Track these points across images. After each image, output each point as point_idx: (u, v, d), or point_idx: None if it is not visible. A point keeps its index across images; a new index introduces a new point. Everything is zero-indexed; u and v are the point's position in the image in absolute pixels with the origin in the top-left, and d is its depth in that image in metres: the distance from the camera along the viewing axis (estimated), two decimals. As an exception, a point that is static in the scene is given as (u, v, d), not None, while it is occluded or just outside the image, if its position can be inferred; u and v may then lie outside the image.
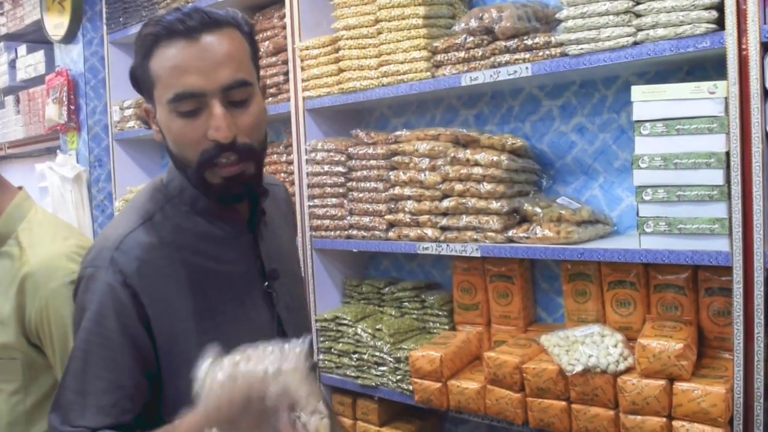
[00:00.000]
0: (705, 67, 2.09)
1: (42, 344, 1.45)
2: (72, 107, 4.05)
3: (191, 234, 1.32)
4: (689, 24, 1.81)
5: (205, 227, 1.34)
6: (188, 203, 1.34)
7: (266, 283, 1.39)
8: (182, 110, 1.22)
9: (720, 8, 1.77)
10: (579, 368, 1.96)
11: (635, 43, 1.91)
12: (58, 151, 4.25)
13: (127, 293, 1.24)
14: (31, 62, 4.68)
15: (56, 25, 4.12)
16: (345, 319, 2.66)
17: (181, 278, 1.29)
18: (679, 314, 2.06)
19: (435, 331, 2.59)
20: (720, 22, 1.78)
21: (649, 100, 1.87)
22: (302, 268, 1.72)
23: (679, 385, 1.84)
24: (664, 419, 1.86)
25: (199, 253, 1.32)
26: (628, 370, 1.95)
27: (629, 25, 1.91)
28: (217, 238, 1.34)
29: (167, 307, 1.27)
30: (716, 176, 1.79)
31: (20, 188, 1.60)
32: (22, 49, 4.80)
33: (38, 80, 4.61)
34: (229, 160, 1.23)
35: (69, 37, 4.05)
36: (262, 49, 2.95)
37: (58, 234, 1.52)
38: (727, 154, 1.77)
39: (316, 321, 2.74)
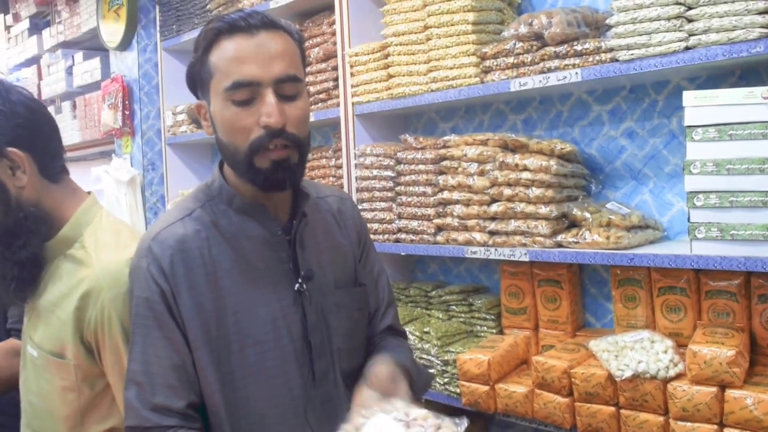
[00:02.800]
0: (758, 71, 2.07)
1: (98, 348, 1.48)
2: (126, 112, 4.18)
3: (226, 230, 1.41)
4: (742, 29, 1.79)
5: (240, 225, 1.42)
6: (226, 201, 1.43)
7: (299, 282, 1.43)
8: (238, 99, 1.32)
9: (774, 13, 1.75)
10: (628, 374, 1.95)
11: (687, 48, 1.90)
12: (113, 154, 4.37)
13: (163, 279, 1.36)
14: (87, 69, 4.82)
15: (111, 32, 4.24)
16: (393, 321, 2.68)
17: (209, 270, 1.38)
18: (730, 321, 2.04)
19: (482, 334, 2.60)
20: (774, 27, 1.76)
21: (701, 105, 1.86)
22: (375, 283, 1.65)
23: (731, 393, 1.82)
24: (715, 426, 1.85)
25: (231, 248, 1.40)
26: (679, 377, 1.94)
27: (681, 30, 1.90)
28: (251, 236, 1.42)
29: (194, 298, 1.36)
30: (770, 182, 1.78)
31: (89, 193, 1.65)
32: (79, 56, 4.95)
33: (94, 86, 4.75)
34: (277, 146, 1.33)
35: (124, 45, 4.17)
36: (311, 56, 3.00)
37: (121, 240, 1.56)
38: (782, 159, 1.76)
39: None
